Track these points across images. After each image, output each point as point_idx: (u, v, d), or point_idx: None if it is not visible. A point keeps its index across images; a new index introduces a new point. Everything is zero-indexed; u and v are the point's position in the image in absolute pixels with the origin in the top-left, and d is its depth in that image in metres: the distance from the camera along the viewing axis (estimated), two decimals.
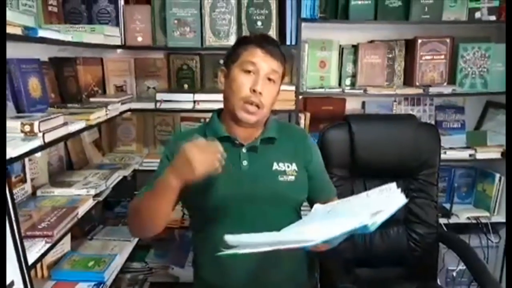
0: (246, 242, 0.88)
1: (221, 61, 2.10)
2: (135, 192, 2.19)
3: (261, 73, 1.14)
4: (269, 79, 1.16)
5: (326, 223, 0.93)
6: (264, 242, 0.87)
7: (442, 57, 2.13)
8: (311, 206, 1.15)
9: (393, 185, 1.01)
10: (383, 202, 0.93)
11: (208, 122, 1.28)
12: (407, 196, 0.92)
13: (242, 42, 1.20)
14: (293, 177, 1.19)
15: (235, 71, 1.16)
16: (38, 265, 1.43)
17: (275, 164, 1.19)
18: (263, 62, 1.14)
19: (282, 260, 1.16)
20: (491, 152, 2.12)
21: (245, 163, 1.18)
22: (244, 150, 1.19)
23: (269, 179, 1.18)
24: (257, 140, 1.20)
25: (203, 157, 0.96)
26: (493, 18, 2.03)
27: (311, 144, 1.32)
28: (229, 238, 0.87)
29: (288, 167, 1.20)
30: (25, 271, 1.01)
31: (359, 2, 1.97)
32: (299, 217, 1.23)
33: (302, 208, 1.30)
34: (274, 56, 1.16)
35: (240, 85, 1.14)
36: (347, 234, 0.88)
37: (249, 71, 1.15)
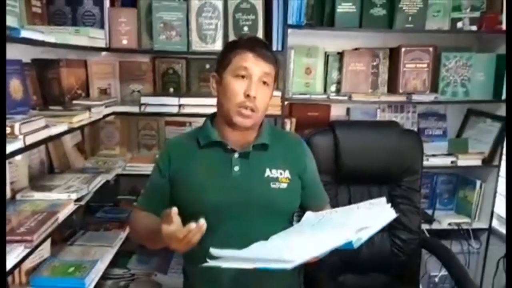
0: (229, 258, 0.87)
1: (208, 66, 2.13)
2: (118, 197, 2.20)
3: (253, 77, 1.13)
4: (263, 82, 1.15)
5: (310, 241, 0.92)
6: (246, 258, 0.87)
7: (425, 65, 2.17)
8: (303, 212, 1.14)
9: (383, 199, 1.01)
10: (371, 217, 0.93)
11: (201, 127, 1.26)
12: (391, 203, 0.93)
13: (232, 47, 1.18)
14: (285, 184, 1.18)
15: (227, 77, 1.15)
16: (16, 271, 1.39)
17: (267, 170, 1.18)
18: (255, 66, 1.13)
19: (275, 272, 1.15)
20: (472, 160, 2.16)
21: (236, 169, 1.16)
22: (235, 155, 1.17)
23: (261, 186, 1.16)
24: (250, 146, 1.18)
25: (185, 243, 0.95)
26: (474, 28, 2.08)
27: (306, 152, 1.30)
28: (214, 251, 0.87)
29: (281, 174, 1.18)
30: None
31: (345, 10, 1.99)
32: (291, 224, 1.22)
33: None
34: (265, 59, 1.15)
35: (233, 91, 1.13)
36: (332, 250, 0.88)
37: (241, 76, 1.13)
